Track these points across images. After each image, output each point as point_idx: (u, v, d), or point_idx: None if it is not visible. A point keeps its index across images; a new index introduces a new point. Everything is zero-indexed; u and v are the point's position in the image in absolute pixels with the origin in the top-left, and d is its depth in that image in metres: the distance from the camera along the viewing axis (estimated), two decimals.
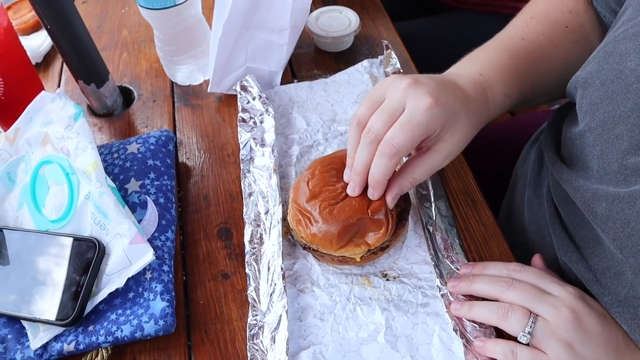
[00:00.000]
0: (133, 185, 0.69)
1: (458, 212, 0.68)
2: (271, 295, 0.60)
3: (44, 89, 0.81)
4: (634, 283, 0.52)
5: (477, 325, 0.56)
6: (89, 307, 0.61)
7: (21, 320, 0.62)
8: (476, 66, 0.65)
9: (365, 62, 0.86)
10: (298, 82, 0.87)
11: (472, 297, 0.59)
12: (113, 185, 0.66)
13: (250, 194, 0.70)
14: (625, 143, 0.51)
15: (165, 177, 0.71)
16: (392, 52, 0.80)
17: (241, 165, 0.73)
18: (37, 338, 0.60)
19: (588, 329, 0.53)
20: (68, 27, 0.74)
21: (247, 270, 0.63)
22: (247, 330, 0.59)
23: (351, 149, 0.60)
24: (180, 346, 0.61)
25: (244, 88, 0.80)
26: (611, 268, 0.55)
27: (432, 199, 0.67)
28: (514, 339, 0.54)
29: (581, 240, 0.61)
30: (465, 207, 0.69)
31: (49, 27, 0.73)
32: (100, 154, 0.69)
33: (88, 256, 0.61)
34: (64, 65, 0.96)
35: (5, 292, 0.62)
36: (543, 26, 0.69)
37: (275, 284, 0.60)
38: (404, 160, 0.64)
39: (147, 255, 0.61)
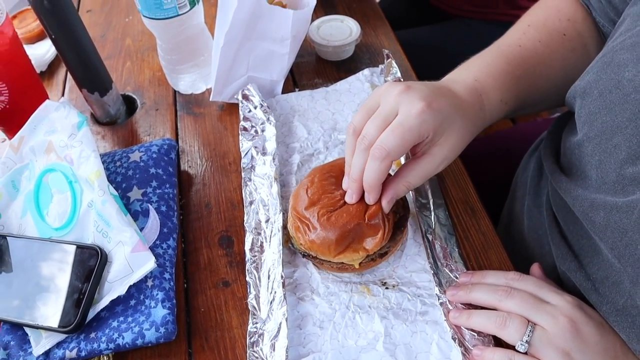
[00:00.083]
0: (135, 194, 0.70)
1: (457, 221, 0.69)
2: (271, 303, 0.60)
3: (48, 98, 0.82)
4: (632, 292, 0.52)
5: (475, 334, 0.57)
6: (91, 314, 0.61)
7: (24, 327, 0.62)
8: (472, 72, 0.65)
9: (366, 71, 0.86)
10: (299, 90, 0.87)
11: (471, 306, 0.59)
12: (115, 193, 0.67)
13: (251, 202, 0.71)
14: (623, 153, 0.52)
15: (167, 185, 0.72)
16: (393, 61, 0.81)
17: (242, 174, 0.74)
18: (40, 345, 0.61)
19: (586, 338, 0.53)
20: (72, 36, 0.75)
21: (247, 278, 0.64)
22: (247, 338, 0.59)
23: (348, 157, 0.61)
24: (181, 353, 0.61)
25: (245, 97, 0.81)
26: (609, 277, 0.55)
27: (432, 208, 0.68)
28: (512, 347, 0.54)
29: (580, 249, 0.61)
30: (465, 216, 0.69)
31: (53, 36, 0.74)
32: (103, 162, 0.70)
33: (90, 264, 0.62)
34: (68, 74, 0.97)
35: (8, 299, 0.63)
36: (540, 34, 0.69)
37: (275, 292, 0.61)
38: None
39: (149, 263, 0.61)
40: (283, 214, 0.67)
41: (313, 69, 0.92)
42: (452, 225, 0.68)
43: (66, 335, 0.61)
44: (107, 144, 0.86)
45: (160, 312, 0.61)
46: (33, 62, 0.82)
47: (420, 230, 0.66)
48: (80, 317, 0.60)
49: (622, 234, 0.51)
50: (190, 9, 0.78)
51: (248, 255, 0.66)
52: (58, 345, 0.61)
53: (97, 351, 0.60)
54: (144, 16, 0.78)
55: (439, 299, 0.60)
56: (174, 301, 0.63)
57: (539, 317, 0.54)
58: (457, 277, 0.62)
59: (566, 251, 0.63)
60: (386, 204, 0.60)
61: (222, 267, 0.68)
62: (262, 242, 0.66)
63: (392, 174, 0.61)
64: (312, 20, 0.88)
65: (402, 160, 0.72)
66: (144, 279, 0.63)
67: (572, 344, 0.52)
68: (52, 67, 1.01)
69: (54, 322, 0.60)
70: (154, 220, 0.68)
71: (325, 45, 0.89)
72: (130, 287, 0.61)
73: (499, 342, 0.57)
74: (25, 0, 0.71)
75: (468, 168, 0.75)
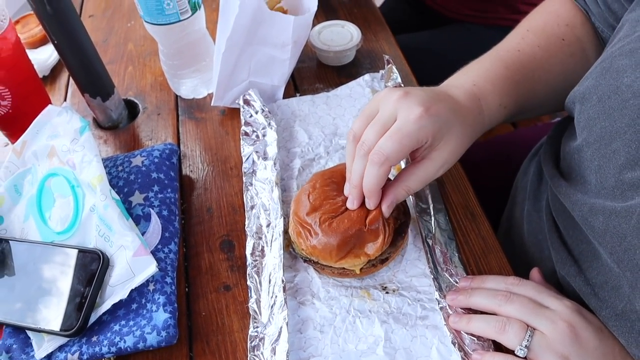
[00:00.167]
0: (137, 198, 0.70)
1: (457, 226, 0.69)
2: (272, 307, 0.61)
3: (50, 103, 0.83)
4: (631, 297, 0.52)
5: (475, 339, 0.57)
6: (93, 318, 0.62)
7: (26, 331, 0.63)
8: (470, 77, 0.66)
9: (367, 76, 0.87)
10: (300, 95, 0.88)
11: (470, 311, 0.59)
12: (117, 197, 0.67)
13: (252, 207, 0.71)
14: (622, 158, 0.52)
15: (169, 190, 0.73)
16: (393, 67, 0.81)
17: (244, 178, 0.74)
18: (42, 348, 0.61)
19: (585, 342, 0.53)
20: (74, 42, 0.75)
21: (248, 283, 0.64)
22: (248, 342, 0.59)
23: (349, 163, 0.61)
24: (182, 357, 0.62)
25: (246, 102, 0.82)
26: (609, 282, 0.56)
27: (432, 213, 0.68)
28: (511, 352, 0.55)
29: (579, 254, 0.61)
30: (465, 221, 0.70)
31: (55, 41, 0.75)
32: (105, 167, 0.70)
33: (92, 268, 0.62)
34: (71, 79, 0.97)
35: (11, 303, 0.63)
36: (539, 38, 0.69)
37: (276, 296, 0.61)
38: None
39: (150, 267, 0.62)
40: (284, 218, 0.68)
41: (314, 74, 0.92)
42: (452, 230, 0.68)
43: (68, 339, 0.61)
44: (109, 149, 0.86)
45: (161, 316, 0.61)
46: (36, 66, 0.83)
47: (420, 235, 0.67)
48: (82, 321, 0.60)
49: (621, 238, 0.52)
50: (192, 14, 0.78)
51: (249, 259, 0.66)
52: (60, 348, 0.61)
53: (99, 354, 0.60)
54: (145, 22, 0.79)
55: (439, 304, 0.60)
56: (176, 305, 0.63)
57: (538, 322, 0.54)
58: (457, 282, 0.62)
59: (566, 256, 0.63)
60: (386, 209, 0.60)
61: (223, 272, 0.68)
62: (263, 247, 0.67)
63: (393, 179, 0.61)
64: (313, 25, 0.89)
65: (402, 165, 0.73)
66: (146, 283, 0.64)
67: (571, 349, 0.52)
68: (54, 72, 1.01)
69: (56, 326, 0.61)
70: (155, 225, 0.68)
71: (326, 51, 0.89)
72: (132, 291, 0.62)
73: (498, 347, 0.57)
74: (28, 5, 0.71)
75: (468, 173, 0.75)
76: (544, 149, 0.72)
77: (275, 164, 0.73)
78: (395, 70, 0.81)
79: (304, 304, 0.63)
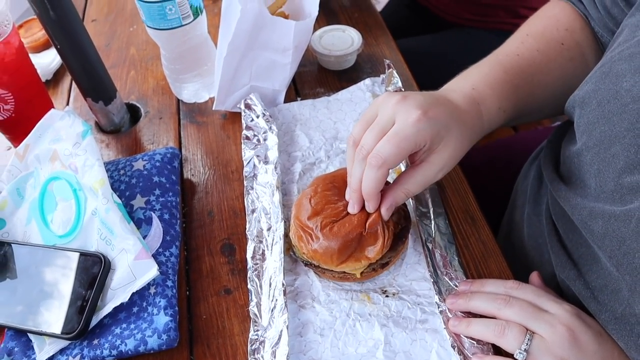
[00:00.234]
0: (138, 202, 0.71)
1: (457, 230, 0.69)
2: (272, 310, 0.61)
3: (53, 107, 0.83)
4: (630, 301, 0.52)
5: (474, 342, 0.57)
6: (94, 321, 0.62)
7: (28, 333, 0.63)
8: (469, 82, 0.66)
9: (368, 81, 0.87)
10: (301, 100, 0.88)
11: (470, 314, 0.60)
12: (119, 201, 0.68)
13: (253, 211, 0.71)
14: (621, 162, 0.52)
15: (170, 194, 0.73)
16: (394, 71, 0.82)
17: (245, 182, 0.75)
18: (43, 351, 0.61)
19: (584, 346, 0.53)
20: (77, 46, 0.76)
21: (249, 286, 0.64)
22: (249, 345, 0.60)
23: (350, 168, 0.61)
24: None
25: (248, 106, 0.82)
26: (608, 285, 0.56)
27: (432, 217, 0.68)
28: (511, 356, 0.55)
29: (579, 258, 0.62)
30: (465, 225, 0.70)
31: (58, 46, 0.75)
32: (107, 171, 0.71)
33: (94, 271, 0.63)
34: (73, 83, 0.98)
35: (12, 305, 0.64)
36: (538, 43, 0.70)
37: (276, 300, 0.61)
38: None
39: (152, 271, 0.62)
40: (285, 222, 0.68)
41: (315, 78, 0.93)
42: (452, 234, 0.68)
43: (69, 342, 0.62)
44: (111, 152, 0.86)
45: (162, 319, 0.61)
46: (38, 71, 0.83)
47: (420, 239, 0.67)
48: (83, 324, 0.60)
49: (620, 242, 0.52)
50: (194, 19, 0.79)
51: (250, 263, 0.66)
52: (61, 351, 0.61)
53: (99, 357, 0.60)
54: (148, 26, 0.79)
55: (438, 307, 0.61)
56: (176, 308, 0.64)
57: (537, 326, 0.54)
58: (456, 286, 0.62)
59: (565, 259, 0.63)
60: (385, 211, 0.60)
61: (224, 275, 0.68)
62: (263, 250, 0.67)
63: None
64: (314, 30, 0.89)
65: (403, 168, 0.73)
66: (147, 286, 0.64)
67: (570, 353, 0.53)
68: (57, 76, 1.02)
69: (58, 329, 0.61)
70: (157, 228, 0.69)
71: (327, 55, 0.90)
72: (133, 294, 0.62)
73: (498, 351, 0.57)
74: (31, 10, 0.71)
75: (468, 176, 0.76)
76: (544, 152, 0.73)
77: (276, 167, 0.73)
78: (396, 74, 0.81)
79: (304, 308, 0.63)
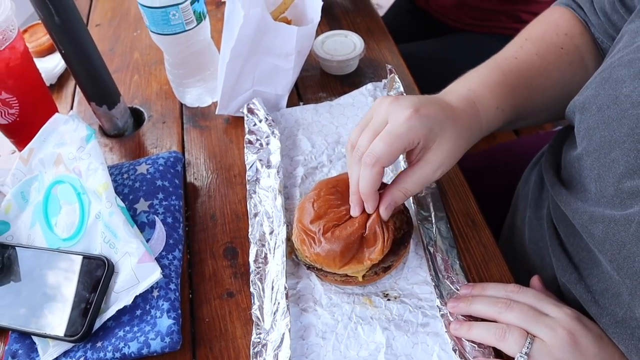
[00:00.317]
0: (142, 205, 0.71)
1: (459, 234, 0.70)
2: (275, 313, 0.61)
3: (57, 111, 0.84)
4: (631, 304, 0.52)
5: (475, 346, 0.57)
6: (98, 324, 0.62)
7: (32, 336, 0.64)
8: (466, 84, 0.67)
9: (370, 86, 0.88)
10: (304, 104, 0.89)
11: (471, 318, 0.60)
12: (123, 205, 0.68)
13: (255, 214, 0.72)
14: (621, 167, 0.52)
15: (173, 197, 0.73)
16: (396, 76, 0.82)
17: (247, 186, 0.75)
18: (47, 353, 0.62)
19: (584, 350, 0.53)
20: (81, 51, 0.77)
21: (251, 289, 0.65)
22: (251, 348, 0.60)
23: (350, 173, 0.62)
24: None
25: (250, 110, 0.83)
26: (609, 289, 0.56)
27: (433, 220, 0.69)
28: (511, 359, 0.55)
29: (580, 262, 0.62)
30: (466, 229, 0.70)
31: (63, 51, 0.76)
32: (111, 174, 0.71)
33: (97, 274, 0.63)
34: (77, 87, 0.98)
35: (16, 308, 0.64)
36: (537, 47, 0.70)
37: (278, 303, 0.61)
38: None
39: (155, 274, 0.62)
40: (287, 226, 0.68)
41: (317, 83, 0.93)
42: (453, 238, 0.68)
43: (73, 344, 0.62)
44: (114, 156, 0.87)
45: (165, 322, 0.62)
46: (43, 75, 0.84)
47: (422, 242, 0.67)
48: (87, 327, 0.61)
49: (620, 246, 0.52)
50: (197, 24, 0.79)
51: (252, 266, 0.67)
52: (65, 354, 0.62)
53: None
54: (151, 31, 0.80)
55: (440, 311, 0.61)
56: (179, 311, 0.64)
57: (538, 330, 0.55)
58: (458, 289, 0.63)
59: (566, 263, 0.63)
60: (384, 211, 0.61)
61: (226, 278, 0.69)
62: (266, 254, 0.67)
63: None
64: (317, 35, 0.90)
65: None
66: (150, 290, 0.64)
67: (570, 356, 0.53)
68: (61, 80, 1.03)
69: (61, 331, 0.61)
70: (160, 232, 0.69)
71: (330, 60, 0.90)
72: (136, 297, 0.62)
73: (499, 354, 0.57)
74: (36, 15, 0.72)
75: (470, 180, 0.76)
76: (545, 157, 0.73)
77: (278, 172, 0.74)
78: (397, 79, 0.82)
79: (306, 311, 0.63)
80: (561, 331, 0.54)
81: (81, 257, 0.65)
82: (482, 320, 0.59)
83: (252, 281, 0.65)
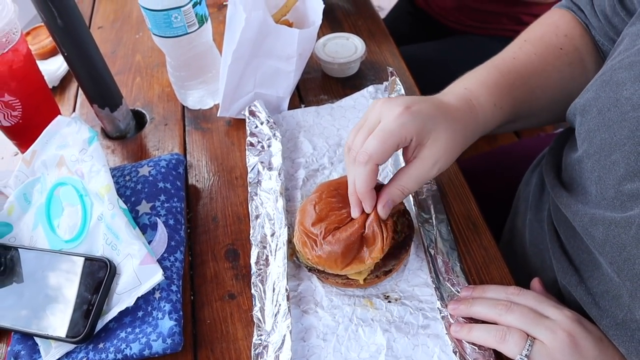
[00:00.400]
0: (144, 207, 0.71)
1: (459, 236, 0.70)
2: (276, 315, 0.61)
3: (60, 113, 0.84)
4: (631, 306, 0.53)
5: (476, 348, 0.57)
6: (100, 325, 0.63)
7: (34, 337, 0.64)
8: (462, 84, 0.67)
9: (371, 88, 0.88)
10: (305, 107, 0.89)
11: (472, 320, 0.60)
12: (125, 207, 0.68)
13: (257, 217, 0.72)
14: (621, 169, 0.53)
15: (175, 200, 0.74)
16: (397, 79, 0.82)
17: (249, 188, 0.75)
18: (49, 355, 0.62)
19: (584, 352, 0.54)
20: (84, 54, 0.77)
21: (252, 291, 0.65)
22: (252, 350, 0.60)
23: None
24: None
25: (252, 113, 0.83)
26: (609, 291, 0.56)
27: (434, 223, 0.69)
28: None
29: (580, 264, 0.62)
30: (467, 231, 0.70)
31: (65, 54, 0.76)
32: (113, 176, 0.71)
33: (99, 276, 0.63)
34: (80, 89, 0.99)
35: (19, 309, 0.64)
36: (536, 47, 0.70)
37: (279, 305, 0.62)
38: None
39: (157, 276, 0.63)
40: (288, 228, 0.69)
41: (319, 85, 0.94)
42: (454, 240, 0.69)
43: (75, 346, 0.62)
44: (116, 158, 0.87)
45: (167, 324, 0.62)
46: (45, 77, 0.84)
47: (422, 244, 0.67)
48: (89, 328, 0.61)
49: (620, 248, 0.52)
50: (199, 27, 0.80)
51: (253, 268, 0.67)
52: (67, 355, 0.62)
53: None
54: (153, 34, 0.80)
55: (440, 313, 0.61)
56: (181, 313, 0.64)
57: (538, 332, 0.55)
58: (458, 292, 0.63)
59: (567, 265, 0.63)
60: (381, 209, 0.61)
61: (228, 280, 0.69)
62: (267, 256, 0.68)
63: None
64: (318, 37, 0.90)
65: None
66: (152, 291, 0.65)
67: (570, 358, 0.53)
68: (63, 83, 1.03)
69: (63, 332, 0.62)
70: (162, 234, 0.69)
71: (331, 63, 0.90)
72: (138, 298, 0.63)
73: (499, 356, 0.57)
74: (39, 17, 0.73)
75: (471, 183, 0.76)
76: (546, 159, 0.73)
77: (279, 174, 0.74)
78: (398, 82, 0.82)
79: (307, 313, 0.64)
80: (561, 333, 0.54)
81: (83, 258, 0.65)
82: (483, 322, 0.59)
83: (253, 283, 0.66)
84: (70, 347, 0.62)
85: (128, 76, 1.02)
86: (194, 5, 0.77)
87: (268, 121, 0.81)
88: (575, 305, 0.61)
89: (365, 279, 0.63)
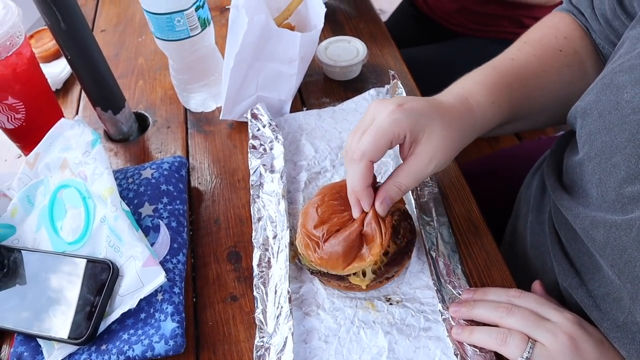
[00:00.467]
0: (147, 210, 0.72)
1: (461, 238, 0.70)
2: (278, 317, 0.62)
3: (63, 116, 0.85)
4: (632, 309, 0.53)
5: (477, 350, 0.58)
6: (102, 327, 0.63)
7: (37, 339, 0.64)
8: (459, 84, 0.68)
9: (372, 91, 0.88)
10: (307, 110, 0.89)
11: (473, 322, 0.60)
12: (127, 209, 0.69)
13: (259, 219, 0.72)
14: (622, 172, 0.53)
15: (178, 202, 0.74)
16: (399, 82, 0.83)
17: (251, 191, 0.76)
18: (52, 356, 0.62)
19: (585, 354, 0.54)
20: (87, 57, 0.77)
21: (254, 293, 0.65)
22: (254, 352, 0.60)
23: None
24: None
25: (254, 116, 0.83)
26: (610, 294, 0.56)
27: (435, 225, 0.69)
28: None
29: (581, 266, 0.62)
30: (468, 234, 0.70)
31: (69, 57, 0.77)
32: (116, 179, 0.72)
33: (102, 277, 0.64)
34: (83, 92, 0.99)
35: (22, 311, 0.65)
36: (535, 49, 0.71)
37: (281, 307, 0.62)
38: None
39: (159, 278, 0.63)
40: (290, 230, 0.69)
41: (321, 88, 0.94)
42: (455, 243, 0.69)
43: (78, 347, 0.62)
44: (119, 161, 0.88)
45: (169, 325, 0.62)
46: (49, 80, 0.85)
47: (424, 247, 0.68)
48: (92, 329, 0.61)
49: (621, 251, 0.52)
50: (202, 30, 0.80)
51: (256, 270, 0.67)
52: (70, 356, 0.62)
53: None
54: (156, 37, 0.81)
55: (441, 315, 0.61)
56: (183, 315, 0.65)
57: (539, 334, 0.55)
58: (459, 294, 0.63)
59: (568, 268, 0.64)
60: (379, 205, 0.61)
61: (230, 282, 0.69)
62: (269, 258, 0.68)
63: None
64: (320, 40, 0.91)
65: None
66: (154, 293, 0.65)
67: None
68: (66, 85, 1.04)
69: (66, 334, 0.62)
70: (164, 236, 0.70)
71: (333, 66, 0.91)
72: (140, 300, 0.63)
73: (500, 358, 0.57)
74: (42, 20, 0.73)
75: (472, 185, 0.76)
76: (547, 162, 0.73)
77: (281, 176, 0.75)
78: (400, 85, 0.83)
79: (309, 315, 0.64)
80: (562, 336, 0.54)
81: (86, 260, 0.65)
82: (484, 324, 0.59)
83: (255, 285, 0.66)
84: (73, 348, 0.62)
85: (131, 79, 1.02)
86: (197, 9, 0.78)
87: (270, 124, 0.81)
88: (576, 307, 0.61)
89: (367, 285, 0.63)
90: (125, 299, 0.63)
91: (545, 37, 0.72)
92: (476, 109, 0.64)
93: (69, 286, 0.65)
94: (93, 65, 0.79)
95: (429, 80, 0.97)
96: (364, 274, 0.63)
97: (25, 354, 0.63)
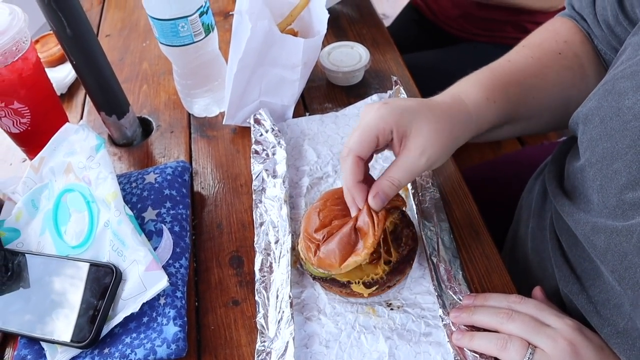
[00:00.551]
0: (150, 214, 0.72)
1: (462, 244, 0.70)
2: (279, 322, 0.62)
3: (67, 120, 0.85)
4: (632, 315, 0.53)
5: (477, 356, 0.58)
6: (105, 330, 0.63)
7: (40, 342, 0.65)
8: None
9: (375, 97, 0.88)
10: (310, 115, 0.90)
11: (473, 328, 0.60)
12: (131, 213, 0.69)
13: (261, 224, 0.73)
14: (623, 178, 0.53)
15: (181, 207, 0.74)
16: (401, 88, 0.83)
17: (253, 196, 0.76)
18: (55, 359, 0.63)
19: None
20: (92, 63, 0.78)
21: (256, 298, 0.65)
22: (255, 356, 0.61)
23: None
24: None
25: (257, 121, 0.84)
26: (611, 300, 0.56)
27: (437, 231, 0.69)
28: None
29: (582, 272, 0.62)
30: (469, 239, 0.71)
31: (74, 62, 0.77)
32: (120, 183, 0.72)
33: (105, 281, 0.64)
34: (87, 97, 1.00)
35: (25, 314, 0.65)
36: (533, 51, 0.71)
37: (283, 312, 0.62)
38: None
39: (162, 282, 0.63)
40: (292, 235, 0.69)
41: (323, 94, 0.94)
42: (456, 248, 0.69)
43: (81, 350, 0.63)
44: (123, 165, 0.88)
45: (171, 329, 0.63)
46: (54, 84, 0.85)
47: (425, 252, 0.68)
48: (94, 333, 0.62)
49: (622, 257, 0.52)
50: (206, 36, 0.81)
51: (257, 275, 0.67)
52: (73, 359, 0.63)
53: None
54: (160, 43, 0.81)
55: (442, 321, 0.61)
56: (185, 319, 0.65)
57: (539, 340, 0.55)
58: (460, 299, 0.63)
59: (569, 274, 0.64)
60: (372, 199, 0.61)
61: (232, 287, 0.70)
62: (271, 263, 0.68)
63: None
64: (323, 46, 0.91)
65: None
66: (157, 297, 0.65)
67: None
68: (71, 90, 1.04)
69: (69, 337, 0.62)
70: (167, 240, 0.70)
71: (335, 71, 0.91)
72: (143, 304, 0.63)
73: None
74: (47, 26, 0.74)
75: (474, 191, 0.77)
76: (549, 168, 0.73)
77: (284, 181, 0.75)
78: (402, 91, 0.83)
79: (310, 320, 0.64)
80: (562, 342, 0.54)
81: (89, 264, 0.66)
82: (484, 330, 0.59)
83: (257, 290, 0.66)
84: (76, 352, 0.63)
85: (135, 84, 1.03)
86: (201, 15, 0.78)
87: (273, 129, 0.82)
88: (577, 313, 0.61)
89: (369, 293, 0.63)
90: (128, 302, 0.64)
91: (545, 41, 0.72)
92: (470, 105, 0.65)
93: (72, 290, 0.65)
94: (98, 70, 0.80)
95: (431, 85, 0.96)
96: (366, 285, 0.63)
97: (29, 357, 0.64)
